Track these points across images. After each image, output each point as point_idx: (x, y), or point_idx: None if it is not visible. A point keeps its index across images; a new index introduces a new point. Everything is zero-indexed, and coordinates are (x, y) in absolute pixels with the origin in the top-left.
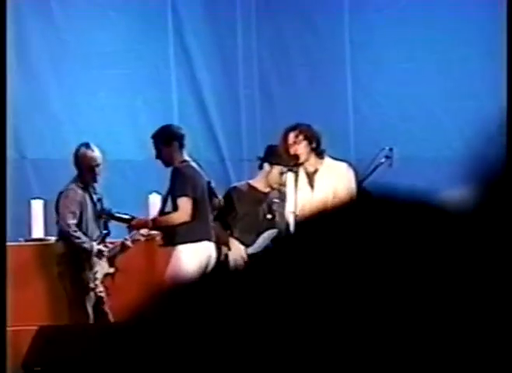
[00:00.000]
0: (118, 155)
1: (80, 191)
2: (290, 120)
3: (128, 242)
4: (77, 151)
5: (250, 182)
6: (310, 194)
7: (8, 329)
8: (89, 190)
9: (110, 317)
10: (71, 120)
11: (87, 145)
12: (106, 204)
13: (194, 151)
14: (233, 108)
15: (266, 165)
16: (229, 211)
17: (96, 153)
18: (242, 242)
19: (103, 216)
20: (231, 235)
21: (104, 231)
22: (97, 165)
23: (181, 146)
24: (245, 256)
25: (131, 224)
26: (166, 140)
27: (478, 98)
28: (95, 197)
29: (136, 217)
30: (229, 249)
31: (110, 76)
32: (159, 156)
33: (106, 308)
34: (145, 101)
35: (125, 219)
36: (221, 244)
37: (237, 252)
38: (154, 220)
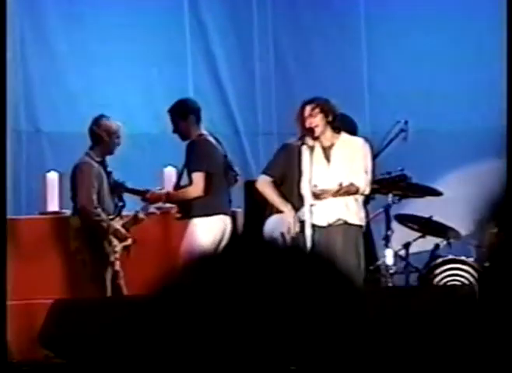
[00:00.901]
0: (133, 128)
1: (96, 165)
2: (305, 95)
3: (141, 215)
4: (97, 122)
5: None
6: (326, 169)
7: (21, 302)
8: (103, 163)
9: (125, 291)
10: (86, 92)
11: (107, 117)
12: (121, 177)
13: (208, 125)
14: (247, 82)
15: None
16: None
17: (116, 125)
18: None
19: (118, 189)
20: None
21: (120, 204)
22: (118, 137)
23: (198, 120)
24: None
25: (146, 197)
26: (183, 114)
27: (492, 71)
28: (108, 170)
29: (150, 190)
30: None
31: (126, 49)
32: (176, 130)
33: (122, 282)
34: (160, 74)
35: (140, 192)
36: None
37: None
38: (168, 194)
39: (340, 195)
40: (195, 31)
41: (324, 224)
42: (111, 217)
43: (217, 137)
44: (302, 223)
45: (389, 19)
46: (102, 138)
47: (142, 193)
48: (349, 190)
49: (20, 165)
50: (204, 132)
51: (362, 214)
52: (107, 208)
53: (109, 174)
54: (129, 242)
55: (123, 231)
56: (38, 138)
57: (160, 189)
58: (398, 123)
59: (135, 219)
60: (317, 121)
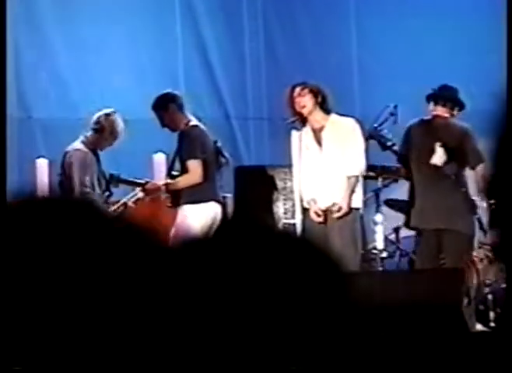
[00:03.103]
0: (123, 113)
1: (89, 152)
2: (295, 79)
3: (130, 203)
4: (108, 114)
5: None
6: (318, 152)
7: None
8: (96, 152)
9: None
10: (76, 79)
11: (118, 115)
12: (111, 163)
13: (199, 109)
14: (238, 66)
15: None
16: None
17: (122, 127)
18: None
19: (114, 181)
20: None
21: (107, 193)
22: (115, 138)
23: (179, 107)
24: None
25: (145, 189)
26: (163, 105)
27: (483, 55)
28: (99, 158)
29: (149, 181)
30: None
31: (116, 35)
32: (163, 124)
33: None
34: (151, 60)
35: (138, 183)
36: None
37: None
38: (166, 184)
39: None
40: (185, 15)
41: (322, 208)
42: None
43: (205, 123)
44: (304, 209)
45: (379, 0)
46: (104, 131)
47: (140, 185)
48: (351, 186)
49: (12, 151)
50: (191, 118)
51: (359, 196)
52: (97, 196)
53: (99, 163)
54: None
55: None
56: (29, 125)
57: (147, 182)
58: (388, 107)
59: (124, 207)
60: (305, 101)
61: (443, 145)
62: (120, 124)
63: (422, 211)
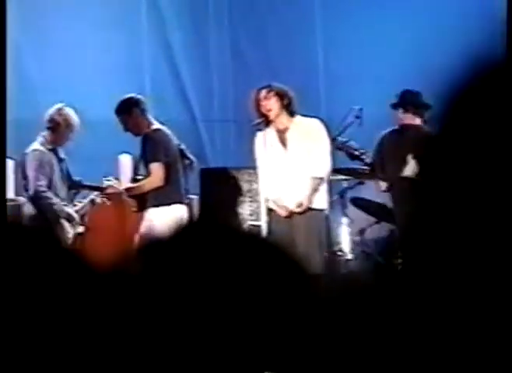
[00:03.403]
0: (89, 115)
1: (46, 151)
2: (261, 81)
3: (98, 200)
4: (60, 109)
5: None
6: (283, 153)
7: None
8: (55, 151)
9: None
10: (42, 80)
11: (71, 108)
12: (77, 164)
13: (165, 112)
14: (204, 69)
15: None
16: None
17: (76, 120)
18: None
19: (77, 187)
20: None
21: (73, 191)
22: (72, 132)
23: (143, 111)
24: None
25: (106, 194)
26: (126, 109)
27: (446, 56)
28: (61, 157)
29: (110, 185)
30: None
31: (83, 36)
32: (126, 128)
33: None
34: (118, 62)
35: (100, 188)
36: None
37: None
38: (128, 189)
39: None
40: (152, 18)
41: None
42: (64, 203)
43: (171, 125)
44: (269, 210)
45: (344, 3)
46: (59, 126)
47: (101, 189)
48: (316, 187)
49: None
50: (154, 122)
51: (325, 197)
52: (60, 194)
53: (61, 161)
54: (81, 229)
55: (75, 215)
56: None
57: (111, 180)
58: (353, 109)
59: (92, 204)
60: (271, 104)
61: (416, 156)
62: (73, 117)
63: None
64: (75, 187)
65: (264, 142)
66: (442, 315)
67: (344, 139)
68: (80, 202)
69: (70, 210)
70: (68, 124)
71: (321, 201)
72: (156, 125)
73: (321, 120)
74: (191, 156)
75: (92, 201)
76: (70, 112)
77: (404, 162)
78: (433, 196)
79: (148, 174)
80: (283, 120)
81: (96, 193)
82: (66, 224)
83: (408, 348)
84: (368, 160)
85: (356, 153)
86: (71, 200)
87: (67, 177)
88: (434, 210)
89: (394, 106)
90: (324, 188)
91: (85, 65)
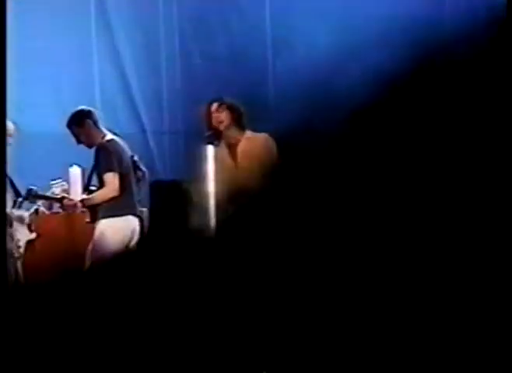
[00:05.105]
0: (39, 126)
1: None
2: (211, 93)
3: (42, 208)
4: None
5: None
6: (233, 166)
7: None
8: None
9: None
10: None
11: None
12: (26, 176)
13: (115, 124)
14: (154, 81)
15: None
16: None
17: (12, 127)
18: None
19: (31, 197)
20: None
21: (19, 199)
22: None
23: (95, 122)
24: None
25: (62, 205)
26: (78, 121)
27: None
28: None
29: (66, 196)
30: None
31: (32, 48)
32: (79, 141)
33: (20, 276)
34: (67, 73)
35: (55, 199)
36: None
37: None
38: (83, 200)
39: None
40: (101, 30)
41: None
42: (11, 210)
43: (122, 137)
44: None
45: (293, 13)
46: None
47: (57, 200)
48: None
49: None
50: (107, 133)
51: None
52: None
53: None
54: (33, 236)
55: (26, 218)
56: None
57: (61, 186)
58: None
59: (36, 214)
60: (222, 117)
61: None
62: (10, 131)
63: None
64: (30, 197)
65: (215, 155)
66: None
67: None
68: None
69: (20, 212)
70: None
71: None
72: (110, 136)
73: (270, 134)
74: (143, 168)
75: (37, 211)
76: (9, 126)
77: None
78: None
79: (101, 185)
80: (233, 133)
81: (40, 202)
82: (17, 231)
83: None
84: None
85: None
86: (19, 206)
87: (10, 182)
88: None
89: None
90: None
91: (36, 77)
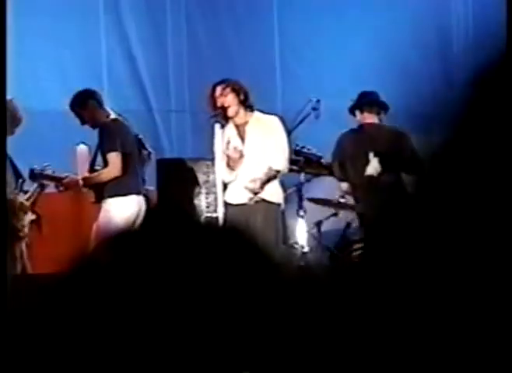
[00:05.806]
0: (46, 105)
1: None
2: (217, 73)
3: (47, 190)
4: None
5: None
6: (241, 146)
7: None
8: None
9: (29, 268)
10: None
11: (14, 101)
12: (33, 154)
13: (122, 102)
14: (160, 60)
15: None
16: None
17: (21, 112)
18: None
19: (34, 177)
20: None
21: (20, 180)
22: (19, 124)
23: (99, 103)
24: None
25: (63, 184)
26: (82, 102)
27: (402, 48)
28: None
29: (68, 176)
30: None
31: (38, 25)
32: (83, 122)
33: (26, 260)
34: (74, 52)
35: (57, 178)
36: None
37: None
38: (85, 179)
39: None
40: (109, 10)
41: (239, 202)
42: (15, 191)
43: (126, 117)
44: (226, 203)
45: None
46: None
47: (59, 180)
48: (271, 178)
49: None
50: (111, 113)
51: (280, 192)
52: (9, 184)
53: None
54: (34, 216)
55: (27, 204)
56: None
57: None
58: (310, 101)
59: (40, 190)
60: (229, 101)
61: (378, 154)
62: (19, 112)
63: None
64: (34, 178)
65: (222, 135)
66: (399, 309)
67: (301, 145)
68: (28, 191)
69: (21, 198)
70: (14, 118)
71: (277, 195)
72: (114, 116)
73: (279, 116)
74: (149, 147)
75: (42, 186)
76: (17, 106)
77: (366, 162)
78: (397, 193)
79: (105, 164)
80: (241, 114)
81: (44, 182)
82: (21, 214)
83: (364, 341)
84: (325, 164)
85: (315, 159)
86: (20, 189)
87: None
88: (399, 207)
89: (352, 109)
90: (278, 183)
91: (43, 55)
